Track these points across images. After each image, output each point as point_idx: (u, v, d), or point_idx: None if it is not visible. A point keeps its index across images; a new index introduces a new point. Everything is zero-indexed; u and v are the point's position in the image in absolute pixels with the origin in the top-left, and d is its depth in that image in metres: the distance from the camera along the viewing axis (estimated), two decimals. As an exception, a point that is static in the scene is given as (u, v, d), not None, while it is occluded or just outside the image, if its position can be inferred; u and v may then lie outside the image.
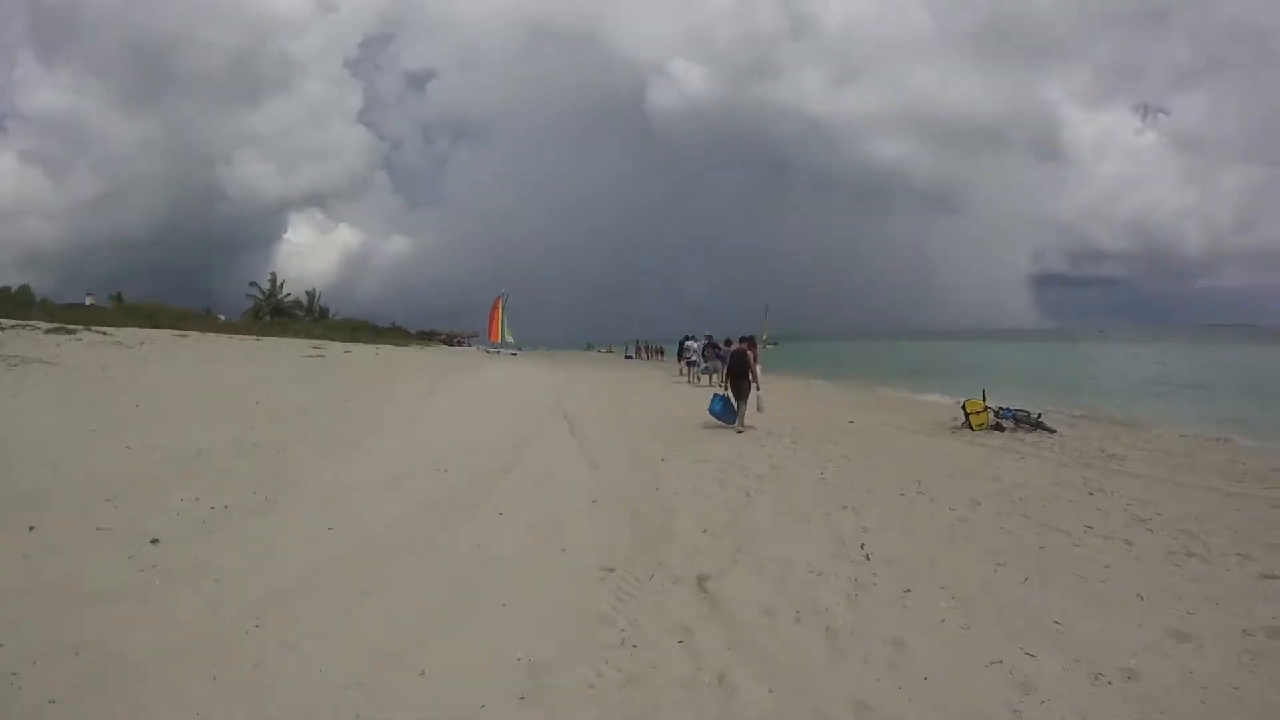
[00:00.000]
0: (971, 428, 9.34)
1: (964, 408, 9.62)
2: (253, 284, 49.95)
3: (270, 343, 22.26)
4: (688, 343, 19.57)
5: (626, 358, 36.31)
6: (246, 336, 23.43)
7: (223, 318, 40.37)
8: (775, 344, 47.84)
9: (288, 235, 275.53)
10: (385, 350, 27.98)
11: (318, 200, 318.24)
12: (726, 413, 9.48)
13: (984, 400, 9.67)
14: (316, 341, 23.79)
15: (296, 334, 30.58)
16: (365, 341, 36.83)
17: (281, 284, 50.25)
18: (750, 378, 9.47)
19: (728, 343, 20.37)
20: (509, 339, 47.86)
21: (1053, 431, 9.20)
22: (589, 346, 53.03)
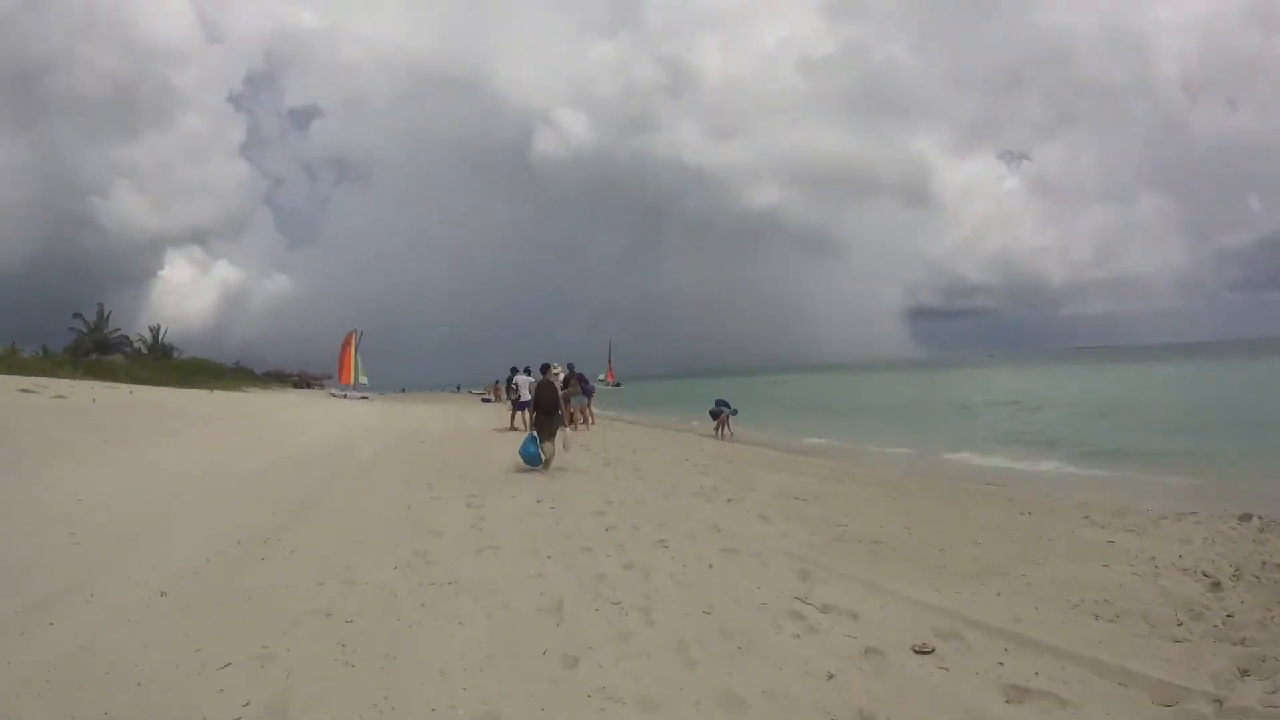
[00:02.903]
0: None
1: None
2: (76, 315, 44.29)
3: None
4: (517, 378, 15.59)
5: (483, 400, 32.14)
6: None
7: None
8: (619, 384, 44.56)
9: (164, 273, 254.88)
10: (165, 396, 22.46)
11: (197, 237, 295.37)
12: (539, 457, 8.72)
13: None
14: (38, 381, 18.13)
15: (96, 375, 24.98)
16: (199, 386, 31.30)
17: (108, 315, 44.25)
18: (560, 415, 8.93)
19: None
20: (363, 380, 42.63)
21: None
22: (459, 388, 48.53)
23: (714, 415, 16.47)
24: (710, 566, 4.69)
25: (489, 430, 15.09)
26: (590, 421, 16.42)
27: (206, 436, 12.58)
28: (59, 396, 16.13)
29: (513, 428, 14.67)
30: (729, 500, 7.24)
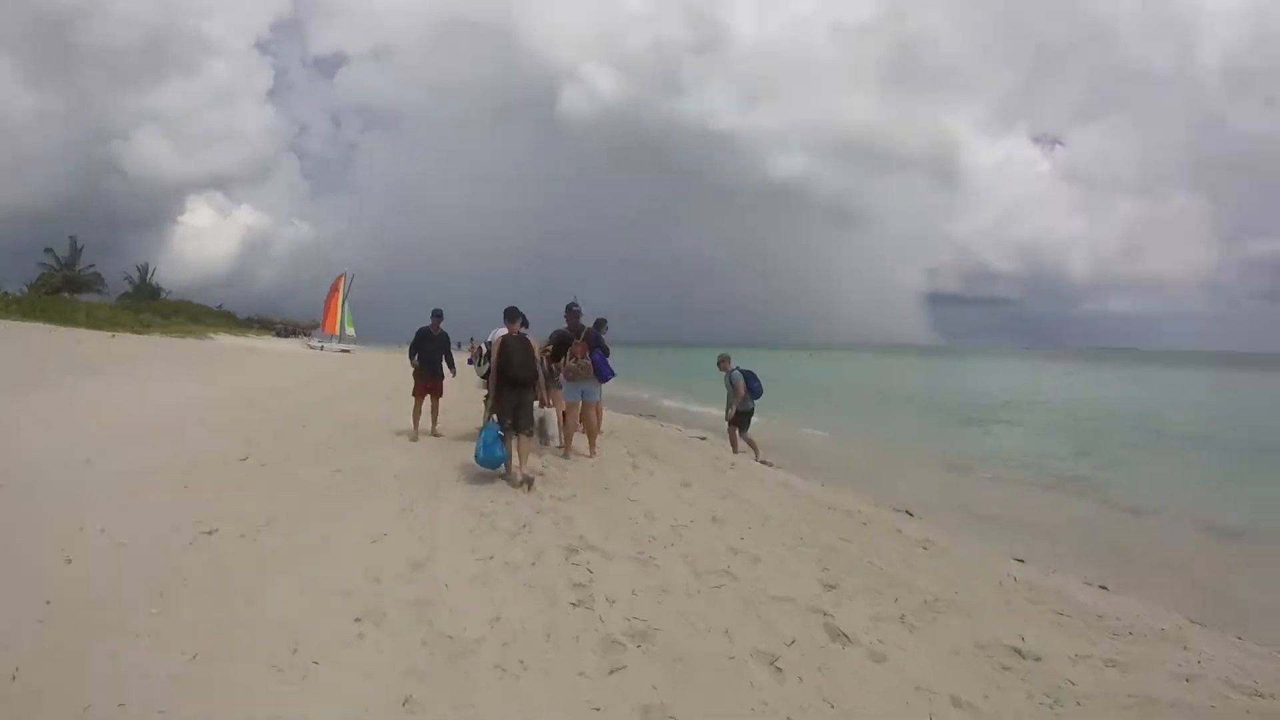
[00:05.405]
0: None
1: None
2: (47, 250, 39.75)
3: None
4: (496, 333, 6.27)
5: (469, 362, 25.50)
6: None
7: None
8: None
9: (184, 217, 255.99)
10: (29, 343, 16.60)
11: (219, 183, 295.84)
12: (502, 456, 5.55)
13: None
14: None
15: (45, 317, 22.89)
16: (164, 330, 27.37)
17: (81, 250, 40.25)
18: (536, 389, 5.73)
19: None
20: (350, 330, 36.45)
21: None
22: (458, 345, 42.20)
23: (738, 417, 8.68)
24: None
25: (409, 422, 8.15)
26: (593, 433, 7.11)
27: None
28: None
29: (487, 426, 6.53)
30: None
